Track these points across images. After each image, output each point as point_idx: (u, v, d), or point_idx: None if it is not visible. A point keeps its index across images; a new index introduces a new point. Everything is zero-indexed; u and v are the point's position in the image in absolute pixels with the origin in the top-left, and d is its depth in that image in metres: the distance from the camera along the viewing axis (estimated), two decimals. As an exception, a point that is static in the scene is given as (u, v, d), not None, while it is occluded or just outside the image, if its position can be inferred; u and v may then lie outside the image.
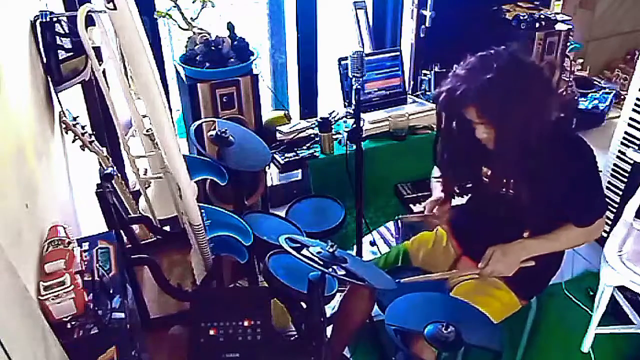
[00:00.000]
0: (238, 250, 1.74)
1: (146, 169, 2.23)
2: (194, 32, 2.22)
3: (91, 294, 1.27)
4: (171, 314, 1.83)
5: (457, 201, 1.88)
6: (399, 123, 2.45)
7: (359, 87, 1.96)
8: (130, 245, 1.86)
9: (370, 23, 2.88)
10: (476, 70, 1.47)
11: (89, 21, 1.89)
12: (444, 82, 1.54)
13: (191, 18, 2.20)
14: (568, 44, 2.86)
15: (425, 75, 2.81)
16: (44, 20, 1.71)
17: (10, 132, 1.28)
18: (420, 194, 2.42)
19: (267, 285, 1.60)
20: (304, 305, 1.52)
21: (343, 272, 1.36)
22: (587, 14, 3.55)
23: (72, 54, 1.83)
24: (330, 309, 2.10)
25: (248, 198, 2.42)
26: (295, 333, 1.81)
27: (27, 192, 1.30)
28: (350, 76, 1.94)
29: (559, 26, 2.76)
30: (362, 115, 2.23)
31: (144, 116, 1.99)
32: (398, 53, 2.67)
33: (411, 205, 2.39)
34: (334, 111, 2.59)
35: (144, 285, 1.88)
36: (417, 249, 1.94)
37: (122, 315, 1.24)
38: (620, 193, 2.51)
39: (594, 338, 2.15)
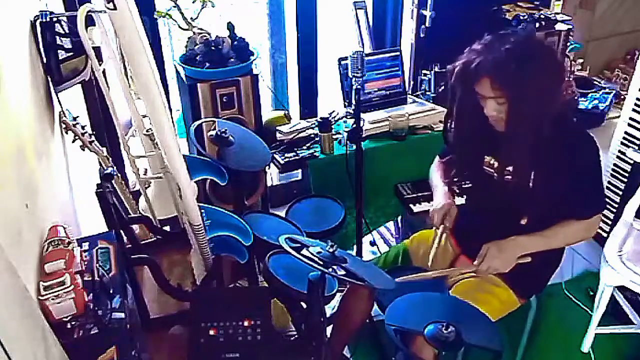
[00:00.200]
0: (238, 250, 1.74)
1: (146, 169, 2.23)
2: (194, 32, 2.22)
3: (91, 294, 1.27)
4: (171, 314, 1.83)
5: (457, 201, 1.88)
6: (399, 123, 2.44)
7: (359, 87, 1.96)
8: (130, 245, 1.86)
9: (370, 23, 2.88)
10: (493, 44, 1.50)
11: (89, 21, 1.89)
12: (460, 57, 1.56)
13: (191, 18, 2.20)
14: (568, 44, 2.87)
15: (425, 75, 2.81)
16: (44, 20, 1.71)
17: (10, 132, 1.28)
18: (420, 194, 2.42)
19: (267, 285, 1.60)
20: (304, 305, 1.52)
21: (343, 272, 1.36)
22: (587, 14, 3.55)
23: (72, 54, 1.83)
24: (330, 309, 2.10)
25: (248, 198, 2.42)
26: (295, 333, 1.81)
27: (27, 192, 1.30)
28: (350, 76, 1.94)
29: (559, 26, 2.76)
30: (362, 115, 2.23)
31: (144, 116, 1.99)
32: (398, 53, 2.67)
33: (411, 205, 2.39)
34: (334, 111, 2.59)
35: (144, 285, 1.88)
36: (416, 247, 1.94)
37: (122, 315, 1.24)
38: (620, 193, 2.52)
39: (594, 338, 2.15)
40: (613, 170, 2.54)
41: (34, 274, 1.20)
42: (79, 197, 1.92)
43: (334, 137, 2.42)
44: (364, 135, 2.24)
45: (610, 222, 2.57)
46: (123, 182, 2.12)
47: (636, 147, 2.37)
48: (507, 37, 1.51)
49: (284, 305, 1.78)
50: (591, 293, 2.39)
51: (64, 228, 1.35)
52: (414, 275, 1.69)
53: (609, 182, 2.56)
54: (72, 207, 1.84)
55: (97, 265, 1.35)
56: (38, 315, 1.08)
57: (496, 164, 1.70)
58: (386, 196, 2.54)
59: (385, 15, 2.99)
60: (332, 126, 2.40)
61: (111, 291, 1.29)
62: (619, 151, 2.48)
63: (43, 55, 1.75)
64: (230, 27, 2.25)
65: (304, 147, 2.43)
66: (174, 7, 2.15)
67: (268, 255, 1.61)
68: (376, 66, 2.62)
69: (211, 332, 1.47)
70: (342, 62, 2.51)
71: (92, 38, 1.94)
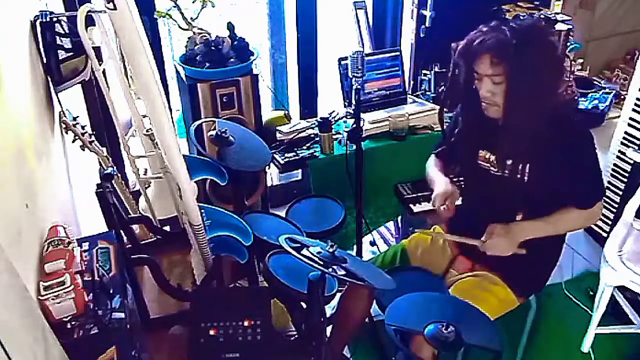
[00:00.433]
0: (238, 250, 1.74)
1: (146, 169, 2.23)
2: (194, 32, 2.22)
3: (91, 294, 1.27)
4: (171, 314, 1.83)
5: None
6: (399, 123, 2.44)
7: (359, 87, 1.96)
8: (130, 245, 1.86)
9: (370, 23, 2.88)
10: (499, 26, 1.53)
11: (89, 21, 1.90)
12: (467, 36, 1.58)
13: (191, 18, 2.20)
14: (568, 44, 2.86)
15: (425, 75, 2.81)
16: (44, 20, 1.71)
17: (10, 132, 1.28)
18: (420, 194, 2.42)
19: (267, 285, 1.60)
20: (304, 305, 1.52)
21: (343, 272, 1.36)
22: (587, 14, 3.54)
23: (72, 54, 1.83)
24: (330, 309, 2.10)
25: (248, 198, 2.42)
26: (295, 333, 1.81)
27: (27, 192, 1.30)
28: (350, 76, 1.94)
29: (559, 26, 2.76)
30: (362, 115, 2.23)
31: (144, 116, 1.99)
32: (398, 53, 2.67)
33: (411, 205, 2.39)
34: (334, 111, 2.59)
35: (144, 285, 1.88)
36: (415, 247, 1.94)
37: (122, 315, 1.24)
38: (620, 193, 2.51)
39: (594, 338, 2.15)
40: (613, 170, 2.54)
41: (34, 274, 1.20)
42: (79, 197, 1.92)
43: (334, 137, 2.41)
44: (364, 135, 2.24)
45: (610, 222, 2.57)
46: (123, 182, 2.12)
47: (636, 147, 2.37)
48: (512, 21, 1.55)
49: (284, 305, 1.78)
50: (591, 293, 2.39)
51: (64, 228, 1.35)
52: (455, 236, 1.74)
53: (609, 182, 2.56)
54: (72, 207, 1.84)
55: (97, 265, 1.35)
56: (38, 315, 1.08)
57: (492, 158, 1.71)
58: (386, 196, 2.54)
59: (385, 15, 2.99)
60: (332, 126, 2.40)
61: (111, 291, 1.29)
62: (619, 151, 2.48)
63: (43, 55, 1.75)
64: (230, 27, 2.25)
65: (304, 147, 2.43)
66: (174, 7, 2.15)
67: (268, 255, 1.61)
68: (376, 66, 2.62)
69: (211, 332, 1.47)
70: (342, 62, 2.51)
71: (92, 38, 1.94)
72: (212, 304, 1.52)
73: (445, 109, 1.83)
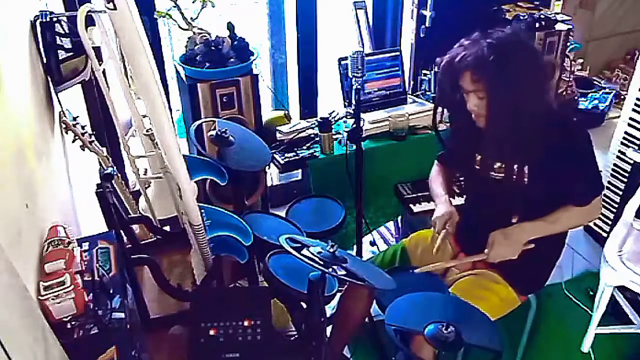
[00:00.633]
0: (238, 250, 1.74)
1: (146, 169, 2.23)
2: (194, 32, 2.22)
3: (91, 294, 1.27)
4: (171, 314, 1.83)
5: (457, 201, 1.89)
6: (399, 123, 2.44)
7: (359, 87, 1.96)
8: (130, 245, 1.86)
9: (370, 23, 2.88)
10: (478, 40, 1.54)
11: (89, 21, 1.89)
12: (449, 52, 1.59)
13: (191, 18, 2.20)
14: (568, 44, 2.86)
15: (425, 75, 2.80)
16: (44, 20, 1.71)
17: (10, 132, 1.28)
18: (420, 194, 2.42)
19: (267, 285, 1.60)
20: (304, 305, 1.52)
21: (343, 272, 1.36)
22: (587, 14, 3.55)
23: (72, 54, 1.83)
24: (330, 309, 2.10)
25: (248, 198, 2.42)
26: (295, 333, 1.81)
27: (27, 192, 1.30)
28: (350, 76, 1.94)
29: (559, 26, 2.76)
30: (362, 115, 2.23)
31: (144, 116, 1.99)
32: (398, 53, 2.67)
33: (411, 205, 2.39)
34: (334, 111, 2.59)
35: (144, 285, 1.88)
36: (415, 247, 1.94)
37: (122, 315, 1.24)
38: (620, 193, 2.52)
39: (594, 338, 2.15)
40: (613, 170, 2.54)
41: (34, 274, 1.20)
42: (79, 197, 1.92)
43: (334, 137, 2.41)
44: (364, 135, 2.24)
45: (610, 222, 2.57)
46: (123, 182, 2.12)
47: (636, 147, 2.37)
48: (492, 33, 1.54)
49: (284, 305, 1.78)
50: (591, 293, 2.39)
51: (64, 228, 1.35)
52: (431, 266, 1.69)
53: (609, 182, 2.56)
54: (72, 207, 1.84)
55: (97, 265, 1.35)
56: (38, 315, 1.08)
57: (489, 162, 1.71)
58: (386, 196, 2.54)
59: (385, 15, 2.99)
60: (332, 126, 2.40)
61: (111, 291, 1.29)
62: (619, 151, 2.48)
63: (43, 55, 1.75)
64: (230, 27, 2.25)
65: (304, 147, 2.43)
66: (174, 7, 2.14)
67: (268, 255, 1.61)
68: (376, 66, 2.62)
69: (211, 332, 1.47)
70: (342, 62, 2.51)
71: (92, 38, 1.94)
72: (212, 304, 1.52)
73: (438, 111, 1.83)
